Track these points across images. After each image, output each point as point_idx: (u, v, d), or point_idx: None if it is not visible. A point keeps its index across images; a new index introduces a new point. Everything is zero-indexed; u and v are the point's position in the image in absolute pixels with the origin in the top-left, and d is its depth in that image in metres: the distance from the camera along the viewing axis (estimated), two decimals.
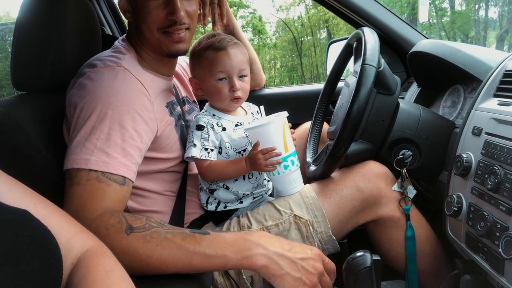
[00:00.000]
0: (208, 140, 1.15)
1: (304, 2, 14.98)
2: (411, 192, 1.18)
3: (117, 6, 1.66)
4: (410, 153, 1.18)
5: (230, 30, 1.50)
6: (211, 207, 1.22)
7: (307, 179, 1.28)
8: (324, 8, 1.77)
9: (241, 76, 1.16)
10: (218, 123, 1.17)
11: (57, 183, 1.00)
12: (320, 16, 14.93)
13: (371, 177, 1.17)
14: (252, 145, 1.12)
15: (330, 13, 1.75)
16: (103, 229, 0.88)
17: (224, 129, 1.18)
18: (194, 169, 1.29)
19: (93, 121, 0.98)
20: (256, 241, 0.90)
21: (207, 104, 1.25)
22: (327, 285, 0.95)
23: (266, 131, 1.10)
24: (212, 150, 1.15)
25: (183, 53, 1.18)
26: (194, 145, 1.14)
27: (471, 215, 0.91)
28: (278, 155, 1.10)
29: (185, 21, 1.10)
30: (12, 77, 1.15)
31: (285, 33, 16.73)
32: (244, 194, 1.21)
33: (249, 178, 1.21)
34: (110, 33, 1.74)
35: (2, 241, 0.50)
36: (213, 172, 1.15)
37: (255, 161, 1.09)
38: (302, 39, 16.39)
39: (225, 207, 1.22)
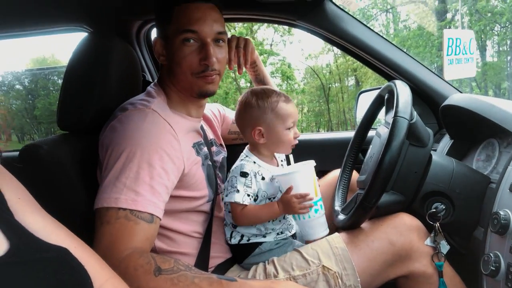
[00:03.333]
0: (250, 187, 1.20)
1: (333, 51, 15.31)
2: (445, 247, 1.14)
3: None
4: (443, 206, 1.16)
5: (260, 78, 1.56)
6: (234, 241, 1.24)
7: (335, 228, 1.27)
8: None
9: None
10: (259, 172, 1.23)
11: (88, 221, 1.03)
12: (349, 65, 15.18)
13: (403, 230, 1.14)
14: (284, 190, 1.18)
15: (359, 62, 1.80)
16: (132, 269, 0.89)
17: (263, 178, 1.23)
18: (220, 211, 1.31)
19: (122, 161, 1.02)
20: None
21: (246, 149, 1.30)
22: None
23: (300, 177, 1.17)
24: (251, 196, 1.20)
25: (212, 94, 1.24)
26: (238, 191, 1.18)
27: (510, 276, 0.87)
28: (311, 199, 1.16)
29: (216, 67, 1.17)
30: (58, 117, 1.23)
31: (313, 80, 17.02)
32: (267, 230, 1.23)
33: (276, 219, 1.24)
34: (150, 79, 1.84)
35: (42, 278, 0.51)
36: (247, 216, 1.19)
37: (289, 204, 1.15)
38: (330, 85, 16.61)
39: (248, 240, 1.23)
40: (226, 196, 1.22)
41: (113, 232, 0.96)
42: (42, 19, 1.68)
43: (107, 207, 0.98)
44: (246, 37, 1.44)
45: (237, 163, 1.27)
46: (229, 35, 1.32)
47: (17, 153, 1.12)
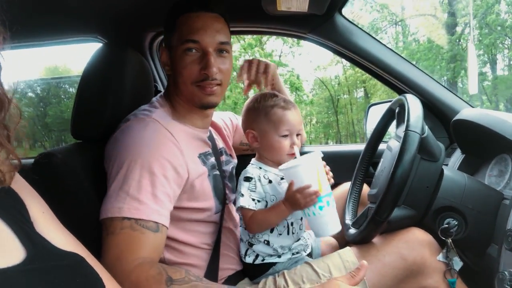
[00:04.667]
0: (255, 191, 1.17)
1: (342, 63, 15.35)
2: (457, 264, 1.12)
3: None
4: (455, 222, 1.15)
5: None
6: (249, 259, 1.22)
7: (346, 242, 1.26)
8: None
9: (297, 135, 1.22)
10: (265, 176, 1.20)
11: (97, 228, 1.03)
12: (358, 77, 15.19)
13: (415, 245, 1.13)
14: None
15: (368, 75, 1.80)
16: (144, 279, 0.89)
17: (270, 181, 1.20)
18: (229, 221, 1.30)
19: (124, 171, 1.03)
20: None
21: (253, 159, 1.29)
22: None
23: (300, 171, 1.09)
24: (259, 201, 1.17)
25: (214, 106, 1.24)
26: (242, 195, 1.17)
27: None
28: (316, 192, 1.06)
29: (216, 77, 1.17)
30: (71, 126, 1.24)
31: (322, 91, 17.05)
32: (283, 250, 1.21)
33: (292, 233, 1.21)
34: (162, 90, 1.86)
35: (58, 285, 0.52)
36: (257, 221, 1.15)
37: (294, 200, 1.08)
38: (339, 97, 16.62)
39: (263, 260, 1.21)
40: (236, 204, 1.21)
41: (119, 242, 0.96)
42: (58, 30, 1.71)
43: (112, 217, 0.98)
44: (266, 60, 1.46)
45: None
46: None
47: (29, 160, 1.13)
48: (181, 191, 1.11)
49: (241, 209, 1.17)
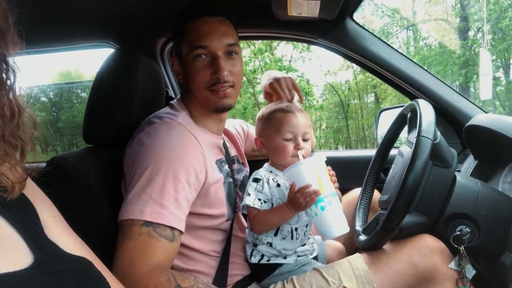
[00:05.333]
0: (262, 192, 1.19)
1: (352, 67, 15.30)
2: (470, 271, 1.11)
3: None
4: (468, 229, 1.13)
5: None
6: (255, 260, 1.22)
7: (356, 249, 1.25)
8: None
9: (304, 139, 1.21)
10: (274, 179, 1.21)
11: (109, 235, 1.03)
12: (368, 82, 15.12)
13: (427, 252, 1.11)
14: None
15: (378, 79, 1.79)
16: (152, 286, 0.89)
17: (278, 185, 1.21)
18: (238, 230, 1.30)
19: (148, 174, 1.03)
20: None
21: (266, 164, 1.29)
22: None
23: (300, 171, 1.09)
24: (265, 202, 1.18)
25: (229, 108, 1.25)
26: (249, 194, 1.18)
27: None
28: (316, 191, 1.05)
29: (228, 79, 1.18)
30: (83, 130, 1.26)
31: (332, 96, 16.99)
32: (288, 252, 1.21)
33: (296, 239, 1.21)
34: (173, 95, 1.88)
35: None
36: (260, 221, 1.17)
37: (295, 201, 1.08)
38: (349, 102, 16.55)
39: (268, 260, 1.21)
40: (242, 203, 1.22)
41: (135, 248, 0.96)
42: (72, 36, 1.74)
43: (132, 219, 0.98)
44: (286, 75, 1.47)
45: None
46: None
47: (41, 164, 1.15)
48: (196, 195, 1.11)
49: (246, 208, 1.18)
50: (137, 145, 1.11)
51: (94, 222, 1.13)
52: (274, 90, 1.43)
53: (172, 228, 1.00)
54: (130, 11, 1.48)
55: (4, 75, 0.52)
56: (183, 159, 1.06)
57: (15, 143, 0.53)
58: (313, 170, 1.09)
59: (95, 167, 1.17)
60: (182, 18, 1.20)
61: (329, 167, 1.15)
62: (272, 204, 1.19)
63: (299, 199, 1.06)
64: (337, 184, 1.16)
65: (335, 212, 1.09)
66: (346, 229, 1.09)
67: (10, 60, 0.52)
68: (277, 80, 1.44)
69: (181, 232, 1.03)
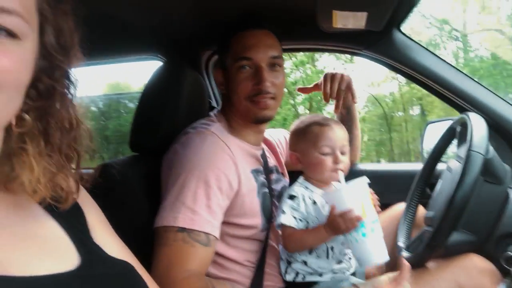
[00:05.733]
0: (298, 210, 1.17)
1: (397, 79, 14.91)
2: None
3: None
4: None
5: (350, 114, 1.56)
6: (289, 278, 1.20)
7: (394, 264, 1.20)
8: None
9: (342, 153, 1.19)
10: (310, 196, 1.19)
11: (149, 239, 1.06)
12: (414, 94, 14.65)
13: (474, 273, 1.06)
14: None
15: (424, 90, 1.73)
16: None
17: (315, 202, 1.18)
18: (274, 241, 1.29)
19: (181, 182, 1.06)
20: None
21: (301, 177, 1.27)
22: None
23: (343, 195, 1.07)
24: (300, 220, 1.16)
25: (269, 119, 1.26)
26: (284, 212, 1.16)
27: None
28: (358, 217, 1.02)
29: (270, 90, 1.19)
30: (130, 139, 1.31)
31: (375, 108, 16.61)
32: (323, 271, 1.18)
33: (332, 258, 1.18)
34: (216, 106, 1.92)
35: None
36: (294, 240, 1.15)
37: (335, 225, 1.05)
38: (393, 114, 16.10)
39: (304, 278, 1.19)
40: (276, 220, 1.20)
41: (171, 254, 0.99)
42: (122, 49, 1.83)
43: (166, 226, 1.01)
44: (346, 75, 1.46)
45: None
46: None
47: (89, 170, 1.20)
48: (229, 203, 1.12)
49: (281, 226, 1.16)
50: (172, 155, 1.15)
51: (137, 228, 1.16)
52: (324, 82, 1.43)
53: (206, 234, 1.02)
54: (178, 26, 1.54)
55: (65, 90, 0.55)
56: (213, 166, 1.08)
57: (70, 155, 0.56)
58: (356, 195, 1.07)
59: (140, 174, 1.22)
60: (229, 31, 1.23)
61: (371, 190, 1.12)
62: (308, 222, 1.17)
63: (339, 223, 1.03)
64: (379, 209, 1.13)
65: (376, 239, 1.06)
66: (386, 258, 1.06)
67: (72, 75, 0.55)
68: (332, 75, 1.43)
69: (216, 238, 1.04)
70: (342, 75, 1.45)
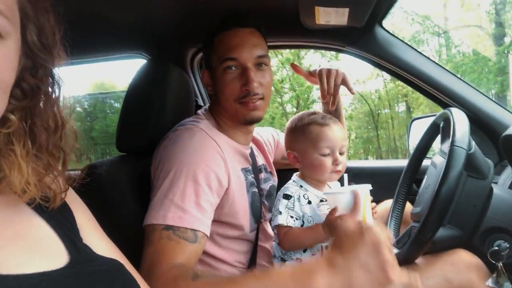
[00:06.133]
0: (293, 210, 1.17)
1: (382, 76, 15.06)
2: None
3: None
4: (506, 245, 1.08)
5: (337, 108, 1.54)
6: None
7: None
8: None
9: (341, 153, 1.19)
10: (305, 196, 1.19)
11: (138, 239, 1.05)
12: (399, 90, 14.81)
13: (462, 268, 1.07)
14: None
15: (409, 87, 1.75)
16: (172, 279, 0.89)
17: (309, 202, 1.19)
18: (264, 241, 1.29)
19: (170, 179, 1.05)
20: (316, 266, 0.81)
21: (295, 175, 1.28)
22: None
23: (347, 198, 1.08)
24: (296, 219, 1.16)
25: (258, 120, 1.25)
26: (280, 213, 1.16)
27: None
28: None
29: (258, 91, 1.18)
30: (117, 140, 1.29)
31: (361, 105, 16.74)
32: None
33: None
34: (202, 104, 1.91)
35: None
36: (290, 239, 1.15)
37: (334, 226, 1.06)
38: (379, 111, 16.25)
39: None
40: (273, 221, 1.20)
41: (155, 252, 0.97)
42: (106, 48, 1.81)
43: (154, 224, 1.00)
44: (340, 70, 1.46)
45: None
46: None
47: (76, 171, 1.18)
48: (219, 200, 1.12)
49: (278, 226, 1.16)
50: (161, 151, 1.14)
51: (125, 228, 1.15)
52: (320, 78, 1.42)
53: (194, 230, 1.00)
54: (162, 23, 1.52)
55: (50, 89, 0.54)
56: (202, 163, 1.07)
57: (57, 155, 0.56)
58: (359, 200, 1.08)
59: (127, 174, 1.20)
60: (213, 30, 1.22)
61: (371, 198, 1.14)
62: (303, 221, 1.18)
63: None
64: (376, 216, 1.16)
65: None
66: None
67: (56, 73, 0.54)
68: (328, 71, 1.43)
69: (205, 234, 1.03)
70: (337, 71, 1.45)
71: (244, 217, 1.21)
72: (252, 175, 1.28)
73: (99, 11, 1.32)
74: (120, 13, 1.37)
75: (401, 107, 16.58)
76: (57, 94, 0.56)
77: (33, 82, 0.51)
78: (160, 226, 0.99)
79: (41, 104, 0.53)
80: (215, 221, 1.11)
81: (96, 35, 1.54)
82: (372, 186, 1.15)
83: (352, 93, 1.50)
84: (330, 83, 1.41)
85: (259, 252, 1.27)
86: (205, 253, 1.13)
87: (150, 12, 1.40)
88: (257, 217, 1.25)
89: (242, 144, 1.28)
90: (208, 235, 1.05)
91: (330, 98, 1.46)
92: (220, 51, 1.19)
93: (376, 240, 0.75)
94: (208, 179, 1.06)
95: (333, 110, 1.49)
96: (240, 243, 1.23)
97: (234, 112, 1.21)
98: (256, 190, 1.28)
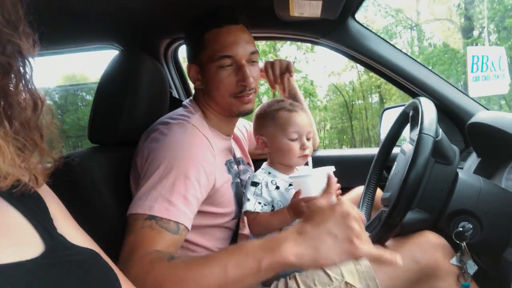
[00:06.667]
0: (260, 196, 1.20)
1: (356, 68, 15.26)
2: (471, 267, 1.11)
3: (185, 73, 1.84)
4: (470, 226, 1.13)
5: (292, 94, 1.58)
6: None
7: None
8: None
9: (308, 139, 1.23)
10: (273, 181, 1.22)
11: (112, 229, 1.06)
12: (372, 82, 15.06)
13: (428, 248, 1.12)
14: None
15: (382, 79, 1.80)
16: (148, 263, 0.90)
17: (277, 187, 1.21)
18: (244, 229, 1.32)
19: (160, 172, 1.05)
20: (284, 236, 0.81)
21: (264, 163, 1.30)
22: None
23: (309, 181, 1.12)
24: (265, 205, 1.19)
25: (250, 112, 1.27)
26: (248, 200, 1.20)
27: None
28: None
29: (253, 86, 1.21)
30: (89, 131, 1.28)
31: (336, 97, 16.93)
32: None
33: None
34: (177, 96, 1.90)
35: (74, 279, 0.54)
36: (258, 224, 1.18)
37: (298, 208, 1.10)
38: (353, 102, 16.49)
39: None
40: (242, 208, 1.23)
41: (135, 239, 0.98)
42: (76, 38, 1.76)
43: (138, 213, 1.00)
44: (283, 59, 1.50)
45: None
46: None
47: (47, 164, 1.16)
48: (206, 195, 1.14)
49: (246, 213, 1.20)
50: (151, 143, 1.14)
51: (99, 219, 1.15)
52: (265, 70, 1.47)
53: (177, 223, 1.02)
54: (134, 13, 1.50)
55: (21, 68, 0.53)
56: (194, 160, 1.09)
57: (40, 133, 0.55)
58: (322, 182, 1.12)
59: (100, 165, 1.19)
60: (202, 26, 1.21)
61: (335, 179, 1.17)
62: (273, 206, 1.20)
63: (302, 208, 1.09)
64: (340, 197, 1.18)
65: None
66: None
67: (25, 51, 0.53)
68: (271, 62, 1.46)
69: (186, 228, 1.04)
70: (280, 60, 1.49)
71: (229, 206, 1.24)
72: (236, 166, 1.31)
73: (68, 0, 1.29)
74: (91, 2, 1.34)
75: (375, 98, 16.88)
76: (30, 74, 0.54)
77: (3, 59, 0.49)
78: (144, 215, 1.00)
79: (14, 82, 0.52)
80: (200, 212, 1.13)
81: (66, 25, 1.50)
82: (343, 173, 1.19)
83: (291, 76, 1.53)
84: (275, 73, 1.47)
85: (240, 239, 1.30)
86: (187, 240, 1.14)
87: (123, 1, 1.38)
88: (241, 206, 1.28)
89: (226, 135, 1.30)
90: (190, 228, 1.06)
91: (281, 87, 1.51)
92: (214, 48, 1.18)
93: (346, 212, 0.78)
94: (198, 175, 1.08)
95: (287, 97, 1.53)
96: (222, 230, 1.26)
97: (228, 106, 1.23)
98: (239, 180, 1.31)
